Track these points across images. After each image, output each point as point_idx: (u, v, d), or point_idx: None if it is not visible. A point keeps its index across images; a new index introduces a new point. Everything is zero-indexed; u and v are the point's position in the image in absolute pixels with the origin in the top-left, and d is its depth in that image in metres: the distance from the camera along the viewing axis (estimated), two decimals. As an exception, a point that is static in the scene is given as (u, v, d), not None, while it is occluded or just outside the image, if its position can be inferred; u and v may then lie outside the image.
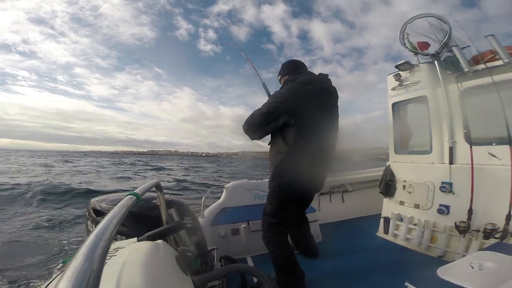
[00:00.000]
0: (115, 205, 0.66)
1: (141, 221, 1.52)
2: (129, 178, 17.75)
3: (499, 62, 2.13)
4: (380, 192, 2.97)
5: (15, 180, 12.07)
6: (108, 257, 0.77)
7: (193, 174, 23.13)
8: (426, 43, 2.52)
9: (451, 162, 2.38)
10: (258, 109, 1.83)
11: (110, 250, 0.84)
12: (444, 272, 1.25)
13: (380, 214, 3.02)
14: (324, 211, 3.46)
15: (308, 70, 2.02)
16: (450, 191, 2.33)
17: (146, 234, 1.16)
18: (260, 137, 1.87)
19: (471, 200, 2.15)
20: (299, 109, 1.71)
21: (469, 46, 2.38)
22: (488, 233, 1.98)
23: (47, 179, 13.33)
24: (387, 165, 2.99)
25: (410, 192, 2.68)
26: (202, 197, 2.72)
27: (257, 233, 2.47)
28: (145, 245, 0.94)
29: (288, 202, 1.90)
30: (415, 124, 2.96)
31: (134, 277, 0.68)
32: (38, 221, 6.00)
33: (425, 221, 2.48)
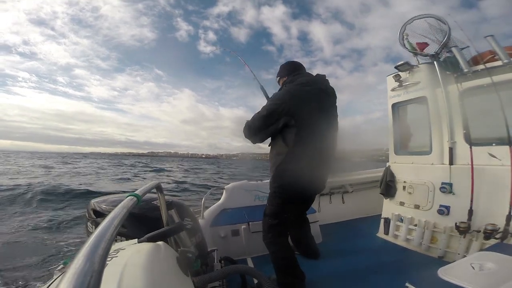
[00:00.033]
0: (115, 206, 0.66)
1: (141, 222, 1.52)
2: (129, 179, 17.73)
3: (499, 63, 2.14)
4: (380, 193, 2.96)
5: (15, 182, 12.06)
6: (109, 259, 0.77)
7: (193, 176, 23.11)
8: (425, 43, 2.53)
9: (451, 162, 2.38)
10: (258, 113, 1.83)
11: (111, 251, 0.84)
12: (444, 273, 1.25)
13: (380, 214, 3.02)
14: (324, 212, 3.46)
15: (307, 71, 2.02)
16: (450, 192, 2.33)
17: (147, 236, 1.16)
18: (261, 140, 1.88)
19: (471, 201, 2.15)
20: (298, 110, 1.71)
21: (468, 46, 2.39)
22: (488, 234, 1.98)
23: (46, 181, 13.31)
24: (387, 165, 2.99)
25: (410, 193, 2.68)
26: (202, 198, 2.72)
27: (257, 234, 2.47)
28: (146, 246, 0.94)
29: (289, 203, 1.90)
30: (415, 124, 2.96)
31: (135, 279, 0.68)
32: (37, 222, 5.99)
33: (425, 221, 2.48)
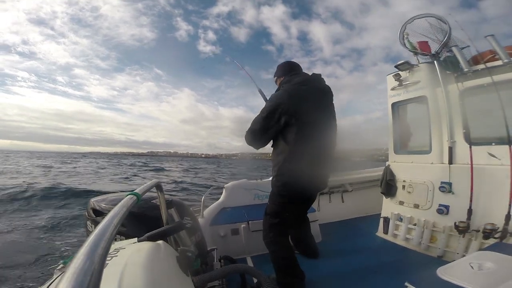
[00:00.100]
0: (114, 205, 0.66)
1: (141, 221, 1.52)
2: (129, 179, 17.69)
3: (499, 62, 2.14)
4: (381, 192, 2.97)
5: (14, 181, 12.04)
6: (109, 258, 0.77)
7: (193, 175, 23.10)
8: (426, 43, 2.53)
9: (450, 162, 2.38)
10: (257, 115, 1.84)
11: (111, 250, 0.84)
12: (443, 272, 1.25)
13: (380, 214, 3.03)
14: (324, 211, 3.46)
15: (303, 71, 2.03)
16: (450, 191, 2.34)
17: (147, 235, 1.16)
18: (265, 143, 1.88)
19: (471, 200, 2.15)
20: (297, 108, 1.73)
21: (468, 46, 2.38)
22: (487, 233, 1.98)
23: (45, 180, 13.30)
24: (386, 165, 3.00)
25: (409, 192, 2.68)
26: (202, 197, 2.72)
27: (256, 233, 2.47)
28: (146, 245, 0.94)
29: (291, 202, 1.91)
30: (414, 124, 2.96)
31: (135, 278, 0.68)
32: (36, 222, 5.98)
33: (424, 221, 2.48)
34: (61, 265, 1.32)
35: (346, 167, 3.76)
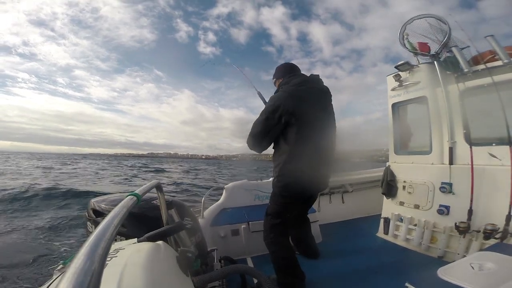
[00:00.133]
0: (115, 205, 0.66)
1: (141, 221, 1.52)
2: (129, 180, 17.67)
3: (499, 63, 2.14)
4: (382, 193, 2.96)
5: (14, 182, 12.03)
6: (109, 258, 0.77)
7: (193, 176, 23.09)
8: (426, 44, 2.53)
9: (451, 162, 2.38)
10: (257, 118, 1.85)
11: (111, 251, 0.84)
12: (444, 273, 1.25)
13: (380, 214, 3.02)
14: (324, 211, 3.46)
15: (301, 72, 2.04)
16: (450, 192, 2.34)
17: (147, 235, 1.16)
18: (267, 145, 1.88)
19: (471, 201, 2.15)
20: (297, 108, 1.74)
21: (468, 46, 2.38)
22: (488, 234, 1.98)
23: (45, 181, 13.30)
24: (387, 165, 2.99)
25: (410, 193, 2.68)
26: (202, 198, 2.72)
27: (257, 234, 2.47)
28: (146, 246, 0.94)
29: (293, 202, 1.92)
30: (415, 124, 2.96)
31: (135, 279, 0.68)
32: (36, 223, 5.98)
33: (425, 221, 2.48)
34: (61, 266, 1.32)
35: (346, 168, 3.76)
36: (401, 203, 2.76)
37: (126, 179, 18.07)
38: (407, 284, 1.21)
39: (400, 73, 2.73)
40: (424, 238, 2.46)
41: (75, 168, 26.91)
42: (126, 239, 1.23)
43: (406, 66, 2.64)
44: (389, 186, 2.87)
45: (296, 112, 1.72)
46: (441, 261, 2.25)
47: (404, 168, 2.83)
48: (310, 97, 1.81)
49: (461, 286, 1.12)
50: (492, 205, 2.09)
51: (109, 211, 0.61)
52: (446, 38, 2.35)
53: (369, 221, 3.32)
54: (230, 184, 3.10)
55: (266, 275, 1.25)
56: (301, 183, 1.76)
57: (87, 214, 1.77)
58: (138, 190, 0.88)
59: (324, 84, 1.98)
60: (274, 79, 2.10)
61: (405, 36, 2.62)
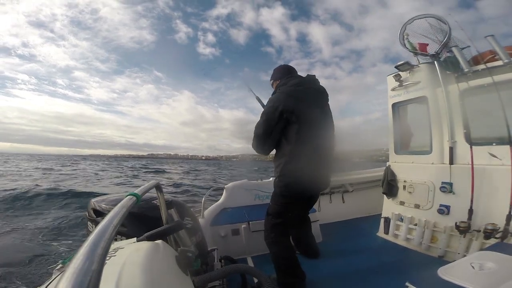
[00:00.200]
0: (115, 205, 0.66)
1: (141, 221, 1.52)
2: (129, 181, 17.64)
3: (499, 63, 2.14)
4: (383, 193, 2.96)
5: (14, 184, 12.03)
6: (108, 257, 0.77)
7: (193, 177, 23.09)
8: (426, 44, 2.52)
9: (451, 162, 2.38)
10: (258, 121, 1.87)
11: (110, 250, 0.84)
12: (444, 272, 1.24)
13: (381, 214, 3.02)
14: (325, 211, 3.46)
15: (298, 73, 2.06)
16: (451, 191, 2.33)
17: (146, 234, 1.16)
18: (272, 145, 1.88)
19: (472, 200, 2.15)
20: (296, 107, 1.75)
21: (469, 46, 2.38)
22: (488, 233, 1.98)
23: (46, 183, 13.30)
24: (387, 165, 2.99)
25: (410, 192, 2.68)
26: (202, 198, 2.72)
27: (257, 234, 2.47)
28: (145, 245, 0.94)
29: (294, 202, 1.92)
30: (415, 124, 2.96)
31: (133, 278, 0.68)
32: (36, 223, 5.99)
33: (425, 221, 2.48)
34: (60, 265, 1.32)
35: (346, 168, 3.76)
36: (402, 203, 2.76)
37: (126, 180, 18.04)
38: (407, 284, 1.21)
39: (400, 73, 2.73)
40: (424, 237, 2.46)
41: (75, 169, 26.90)
42: (127, 238, 1.24)
43: (406, 66, 2.64)
44: (390, 186, 2.87)
45: (295, 111, 1.74)
46: (442, 260, 2.25)
47: (404, 168, 2.83)
48: (307, 97, 1.83)
49: (462, 285, 1.12)
50: (492, 205, 2.09)
51: (109, 211, 0.61)
52: (446, 38, 2.35)
53: (370, 221, 3.31)
54: (230, 184, 3.10)
55: (267, 275, 1.25)
56: (302, 183, 1.76)
57: (87, 214, 1.77)
58: (137, 190, 0.88)
59: (321, 84, 2.00)
60: (272, 81, 2.12)
61: (405, 36, 2.61)
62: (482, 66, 2.23)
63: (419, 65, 2.63)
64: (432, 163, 2.55)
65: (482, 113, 2.38)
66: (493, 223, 1.98)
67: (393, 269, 2.20)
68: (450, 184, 2.34)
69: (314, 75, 1.98)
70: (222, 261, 1.96)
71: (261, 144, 1.88)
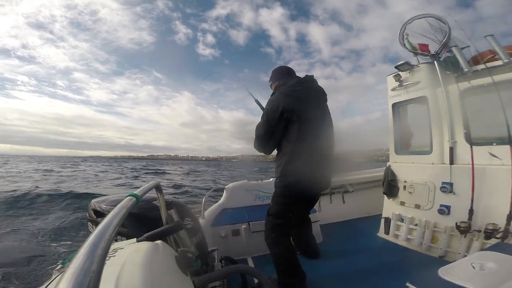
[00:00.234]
0: (115, 206, 0.66)
1: (141, 222, 1.52)
2: (130, 182, 17.61)
3: (499, 62, 2.14)
4: (383, 193, 2.96)
5: (14, 185, 12.03)
6: (107, 258, 0.77)
7: (194, 178, 23.08)
8: (427, 45, 2.52)
9: (451, 162, 2.38)
10: (259, 122, 1.88)
11: (110, 251, 0.84)
12: (445, 272, 1.24)
13: (381, 214, 3.02)
14: (325, 211, 3.45)
15: (298, 74, 2.07)
16: (451, 191, 2.33)
17: (146, 235, 1.16)
18: (274, 145, 1.89)
19: (472, 200, 2.15)
20: (296, 106, 1.76)
21: (468, 46, 2.38)
22: (489, 233, 1.97)
23: (46, 184, 13.30)
24: (387, 165, 2.99)
25: (410, 193, 2.68)
26: (203, 198, 2.72)
27: (257, 234, 2.47)
28: (145, 245, 0.94)
29: (295, 202, 1.92)
30: (415, 124, 2.96)
31: (133, 278, 0.68)
32: (36, 224, 5.99)
33: (425, 221, 2.47)
34: (60, 266, 1.32)
35: (346, 168, 3.76)
36: (402, 203, 2.76)
37: (127, 181, 18.01)
38: (408, 284, 1.21)
39: (400, 73, 2.73)
40: (425, 238, 2.46)
41: (75, 171, 26.88)
42: (127, 239, 1.24)
43: (406, 66, 2.64)
44: (391, 186, 2.86)
45: (296, 110, 1.75)
46: (442, 260, 2.25)
47: (404, 168, 2.83)
48: (307, 97, 1.85)
49: (462, 285, 1.12)
50: (493, 205, 2.09)
51: (109, 212, 0.61)
52: (446, 38, 2.35)
53: (370, 221, 3.31)
54: (231, 185, 3.10)
55: (267, 275, 1.25)
56: (303, 183, 1.77)
57: (87, 215, 1.78)
58: (137, 191, 0.88)
59: (321, 84, 2.01)
60: (271, 83, 2.14)
61: (405, 36, 2.62)
62: (482, 66, 2.23)
63: (419, 65, 2.63)
64: (433, 163, 2.55)
65: (482, 113, 2.38)
66: (494, 223, 1.98)
67: (393, 269, 2.19)
68: (451, 184, 2.34)
69: (312, 76, 2.00)
70: (223, 261, 1.96)
71: (262, 145, 1.89)
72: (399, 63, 2.64)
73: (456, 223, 2.17)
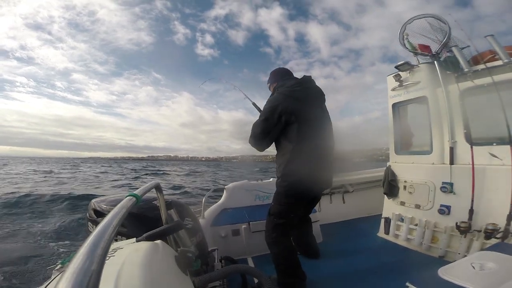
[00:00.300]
0: (115, 205, 0.66)
1: (141, 222, 1.52)
2: (130, 183, 17.58)
3: (499, 62, 2.13)
4: (384, 193, 2.96)
5: (14, 186, 12.03)
6: (107, 258, 0.77)
7: (194, 178, 23.08)
8: (427, 46, 2.52)
9: (451, 162, 2.38)
10: (257, 119, 1.90)
11: (109, 250, 0.84)
12: (445, 272, 1.24)
13: (381, 214, 3.02)
14: (325, 211, 3.45)
15: (298, 74, 2.09)
16: (451, 191, 2.33)
17: (145, 235, 1.16)
18: (269, 144, 1.92)
19: (472, 200, 2.15)
20: (295, 107, 1.77)
21: (468, 46, 2.38)
22: (489, 233, 1.97)
23: (46, 185, 13.30)
24: (387, 165, 2.99)
25: (410, 193, 2.68)
26: (203, 199, 2.72)
27: (257, 234, 2.47)
28: (144, 245, 0.94)
29: (297, 202, 1.92)
30: (415, 124, 2.96)
31: (132, 277, 0.68)
32: (36, 225, 6.00)
33: (426, 221, 2.47)
34: (59, 266, 1.32)
35: (347, 168, 3.76)
36: (402, 203, 2.76)
37: (127, 183, 17.98)
38: (408, 284, 1.21)
39: (400, 73, 2.73)
40: (425, 238, 2.46)
41: (75, 172, 26.87)
42: (127, 239, 1.24)
43: (406, 66, 2.64)
44: (391, 186, 2.86)
45: (294, 111, 1.76)
46: (442, 260, 2.25)
47: (404, 168, 2.82)
48: (306, 97, 1.86)
49: (462, 285, 1.12)
50: (493, 205, 2.09)
51: (109, 211, 0.61)
52: (446, 38, 2.35)
53: (370, 221, 3.31)
54: (231, 185, 3.10)
55: (267, 275, 1.25)
56: (305, 183, 1.77)
57: (87, 215, 1.78)
58: (137, 191, 0.88)
59: (320, 84, 2.04)
60: (269, 84, 2.15)
61: (405, 36, 2.61)
62: (482, 66, 2.23)
63: (419, 65, 2.63)
64: (433, 163, 2.55)
65: (483, 113, 2.38)
66: (494, 223, 1.98)
67: (393, 269, 2.19)
68: (451, 184, 2.34)
69: (310, 76, 2.01)
70: (223, 261, 1.96)
71: (257, 143, 1.92)
72: (399, 63, 2.64)
73: (456, 223, 2.17)
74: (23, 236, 5.22)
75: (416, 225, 2.56)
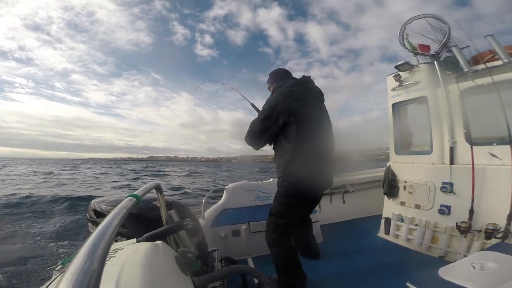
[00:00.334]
0: (115, 206, 0.66)
1: (141, 222, 1.52)
2: (130, 184, 17.55)
3: (499, 62, 2.13)
4: (384, 193, 2.96)
5: (14, 187, 12.02)
6: (107, 258, 0.77)
7: (194, 178, 23.08)
8: (427, 46, 2.52)
9: (451, 162, 2.38)
10: (256, 118, 1.90)
11: (110, 251, 0.84)
12: (445, 273, 1.24)
13: (381, 214, 3.02)
14: (325, 211, 3.45)
15: (297, 74, 2.09)
16: (451, 192, 2.33)
17: (146, 235, 1.16)
18: (265, 143, 1.93)
19: (472, 200, 2.14)
20: (294, 107, 1.78)
21: (468, 46, 2.38)
22: (489, 233, 1.97)
23: (47, 187, 13.29)
24: (387, 165, 2.99)
25: (410, 193, 2.67)
26: (203, 199, 2.72)
27: (258, 234, 2.47)
28: (144, 246, 0.94)
29: (298, 202, 1.93)
30: (415, 124, 2.96)
31: (133, 278, 0.68)
32: (36, 226, 6.00)
33: (426, 221, 2.47)
34: (60, 266, 1.32)
35: (347, 168, 3.76)
36: (402, 203, 2.76)
37: (128, 184, 17.95)
38: (408, 284, 1.21)
39: (400, 73, 2.73)
40: (425, 238, 2.46)
41: (74, 173, 26.84)
42: (127, 239, 1.24)
43: (406, 66, 2.64)
44: (391, 186, 2.86)
45: (294, 111, 1.76)
46: (442, 261, 2.24)
47: (404, 168, 2.82)
48: (305, 97, 1.86)
49: (462, 285, 1.12)
50: (493, 205, 2.09)
51: (109, 212, 0.61)
52: (446, 38, 2.35)
53: (370, 221, 3.31)
54: (231, 185, 3.10)
55: (267, 275, 1.25)
56: (305, 182, 1.78)
57: (88, 215, 1.78)
58: (137, 191, 0.88)
59: (319, 84, 2.03)
60: (268, 85, 2.16)
61: (405, 36, 2.62)
62: (482, 66, 2.23)
63: (419, 65, 2.63)
64: (433, 163, 2.55)
65: (482, 113, 2.38)
66: (494, 223, 1.98)
67: (393, 270, 2.19)
68: (451, 184, 2.33)
69: (309, 76, 2.02)
70: (223, 261, 1.96)
71: (254, 140, 1.93)
72: (399, 63, 2.64)
73: (457, 223, 2.17)
74: (23, 236, 5.23)
75: (416, 225, 2.56)
